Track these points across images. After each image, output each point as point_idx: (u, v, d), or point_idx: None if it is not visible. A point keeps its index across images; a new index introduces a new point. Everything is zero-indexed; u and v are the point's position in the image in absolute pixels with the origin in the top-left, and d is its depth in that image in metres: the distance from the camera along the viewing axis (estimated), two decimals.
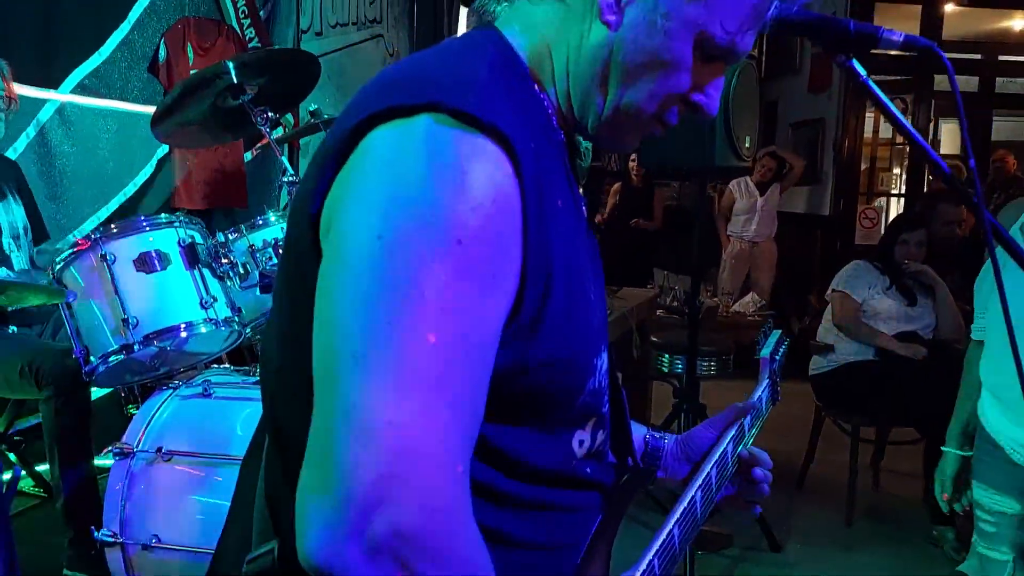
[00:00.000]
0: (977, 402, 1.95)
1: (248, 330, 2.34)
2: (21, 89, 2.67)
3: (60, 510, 2.43)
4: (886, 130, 7.91)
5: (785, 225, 7.18)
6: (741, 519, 3.36)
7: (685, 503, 1.05)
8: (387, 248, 0.65)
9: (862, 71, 1.02)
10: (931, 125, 7.46)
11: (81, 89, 3.19)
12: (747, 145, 3.19)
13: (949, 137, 8.61)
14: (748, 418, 1.25)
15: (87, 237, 2.11)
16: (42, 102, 3.05)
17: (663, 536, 0.98)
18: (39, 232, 2.81)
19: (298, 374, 0.70)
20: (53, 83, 3.09)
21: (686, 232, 6.36)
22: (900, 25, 6.16)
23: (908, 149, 7.13)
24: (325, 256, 0.69)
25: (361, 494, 0.61)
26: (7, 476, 2.11)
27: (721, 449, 1.15)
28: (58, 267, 2.13)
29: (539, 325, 0.73)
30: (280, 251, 2.34)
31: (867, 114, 7.10)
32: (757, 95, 3.30)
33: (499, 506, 0.78)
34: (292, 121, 3.61)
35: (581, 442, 0.85)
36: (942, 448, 2.08)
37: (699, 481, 1.08)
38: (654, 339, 3.92)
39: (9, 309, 2.53)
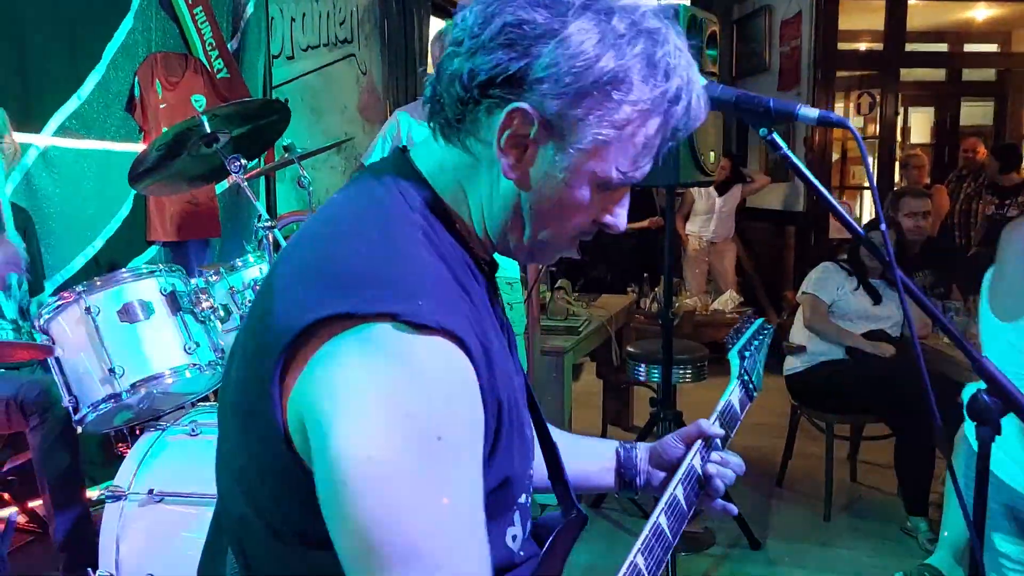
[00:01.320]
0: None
1: None
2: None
3: (58, 549, 2.50)
4: (856, 124, 8.03)
5: (761, 222, 7.31)
6: (721, 518, 3.47)
7: (647, 531, 1.12)
8: (382, 467, 0.73)
9: (782, 143, 1.11)
10: (899, 117, 7.59)
11: (63, 131, 3.23)
12: (711, 160, 3.28)
13: (919, 125, 8.75)
14: (716, 422, 1.33)
15: (72, 290, 2.17)
16: (27, 147, 3.10)
17: (627, 567, 1.06)
18: (36, 284, 2.87)
19: (264, 527, 0.80)
20: (35, 127, 3.14)
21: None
22: (866, 19, 6.29)
23: (878, 143, 7.25)
24: (323, 473, 0.75)
25: None
26: (3, 512, 2.17)
27: (688, 466, 1.24)
28: (44, 319, 2.19)
29: (491, 460, 0.83)
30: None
31: (836, 105, 7.23)
32: (723, 115, 3.39)
33: None
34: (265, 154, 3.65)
35: (514, 537, 0.96)
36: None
37: (662, 505, 1.16)
38: (630, 349, 4.01)
39: None
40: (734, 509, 1.29)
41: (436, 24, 6.05)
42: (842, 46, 7.10)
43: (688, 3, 3.37)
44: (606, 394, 4.87)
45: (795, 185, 7.12)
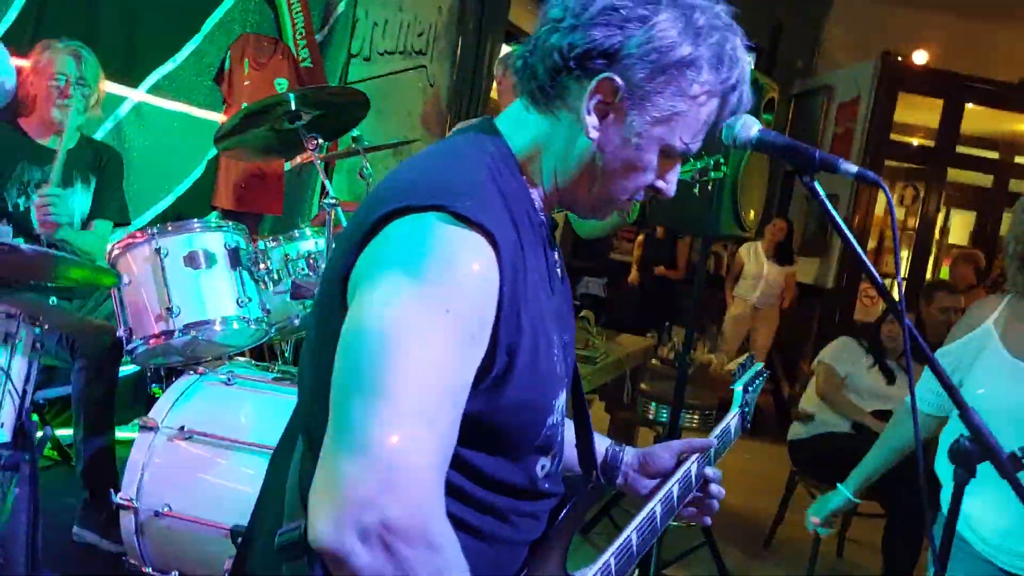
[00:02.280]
0: (887, 459, 2.12)
1: (274, 330, 2.56)
2: (106, 85, 2.94)
3: (79, 473, 2.64)
4: (898, 215, 8.12)
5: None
6: (705, 567, 3.53)
7: (645, 513, 1.27)
8: (392, 314, 0.86)
9: (821, 191, 1.24)
10: (940, 215, 7.68)
11: (155, 90, 3.48)
12: (751, 217, 3.42)
13: (958, 227, 8.82)
14: (716, 441, 1.46)
15: (144, 231, 2.35)
16: (122, 99, 3.34)
17: (621, 539, 1.22)
18: (122, 215, 3.03)
19: (323, 397, 0.91)
20: (133, 82, 3.38)
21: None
22: (922, 116, 6.41)
23: (915, 235, 7.34)
24: (348, 314, 0.90)
25: (357, 496, 0.81)
26: (39, 434, 2.32)
27: (684, 469, 1.36)
28: (114, 253, 2.37)
29: (508, 375, 0.95)
30: (312, 264, 2.57)
31: (879, 194, 7.32)
32: (767, 173, 3.53)
33: (470, 507, 1.01)
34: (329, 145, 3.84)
35: (543, 467, 1.09)
36: (837, 484, 2.23)
37: (660, 495, 1.30)
38: (643, 387, 4.12)
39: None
40: (708, 520, 1.43)
41: (506, 51, 6.27)
42: (894, 137, 7.23)
43: (752, 65, 3.52)
44: (611, 430, 4.96)
45: (827, 261, 7.22)
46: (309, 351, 1.04)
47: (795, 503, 4.07)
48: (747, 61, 1.05)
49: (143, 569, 2.27)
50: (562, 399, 1.09)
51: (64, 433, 3.32)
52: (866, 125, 7.00)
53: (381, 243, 0.92)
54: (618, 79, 0.98)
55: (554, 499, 1.14)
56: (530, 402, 1.00)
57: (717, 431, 1.51)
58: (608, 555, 1.18)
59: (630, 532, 1.23)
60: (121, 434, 2.86)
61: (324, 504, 0.83)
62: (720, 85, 1.02)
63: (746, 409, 1.65)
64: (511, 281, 0.93)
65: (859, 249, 1.24)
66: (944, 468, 2.04)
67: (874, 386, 3.94)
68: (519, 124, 1.07)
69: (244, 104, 3.21)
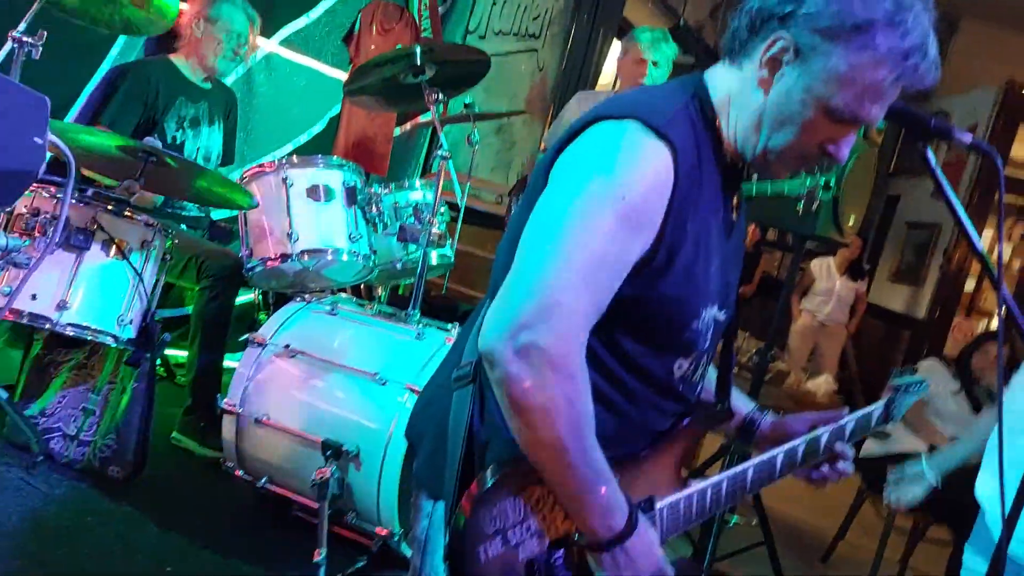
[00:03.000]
0: (977, 449, 2.05)
1: (376, 271, 2.71)
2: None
3: (189, 383, 2.85)
4: (1004, 253, 7.83)
5: (877, 320, 7.23)
6: (760, 568, 3.53)
7: (767, 456, 1.34)
8: (578, 190, 1.06)
9: (932, 158, 1.29)
10: None
11: (287, 43, 3.69)
12: (850, 223, 3.42)
13: None
14: (853, 422, 1.47)
15: (273, 162, 2.53)
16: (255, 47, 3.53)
17: (738, 468, 1.32)
18: (228, 157, 3.29)
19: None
20: (267, 33, 3.58)
21: (774, 300, 6.62)
22: None
23: (1018, 276, 7.07)
24: (544, 191, 1.10)
25: (519, 318, 1.01)
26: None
27: (815, 433, 1.41)
28: (244, 180, 2.56)
29: (666, 270, 1.10)
30: (418, 214, 2.71)
31: (986, 230, 7.10)
32: (872, 179, 3.52)
33: (611, 384, 1.17)
34: (441, 109, 4.01)
35: (680, 366, 1.22)
36: (924, 461, 2.15)
37: (786, 447, 1.37)
38: None
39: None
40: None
41: (617, 46, 6.34)
42: (1009, 172, 6.99)
43: None
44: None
45: (920, 290, 7.03)
46: (510, 237, 1.17)
47: (859, 524, 4.02)
48: (927, 32, 1.07)
49: (236, 472, 2.46)
50: (711, 312, 1.21)
51: (171, 353, 3.58)
52: (980, 156, 6.77)
53: (580, 142, 1.11)
54: (788, 37, 1.09)
55: (682, 405, 1.26)
56: (680, 300, 1.13)
57: (857, 413, 1.52)
58: (723, 476, 1.29)
59: (748, 466, 1.32)
60: (228, 363, 3.06)
61: (494, 320, 1.04)
62: (890, 52, 1.06)
63: (892, 406, 1.61)
64: (683, 191, 1.08)
65: (966, 218, 1.28)
66: (984, 491, 2.00)
67: (958, 413, 3.86)
68: (720, 75, 1.20)
69: None
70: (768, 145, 1.15)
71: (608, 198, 1.04)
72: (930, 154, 1.29)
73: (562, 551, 1.14)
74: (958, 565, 3.48)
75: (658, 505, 1.22)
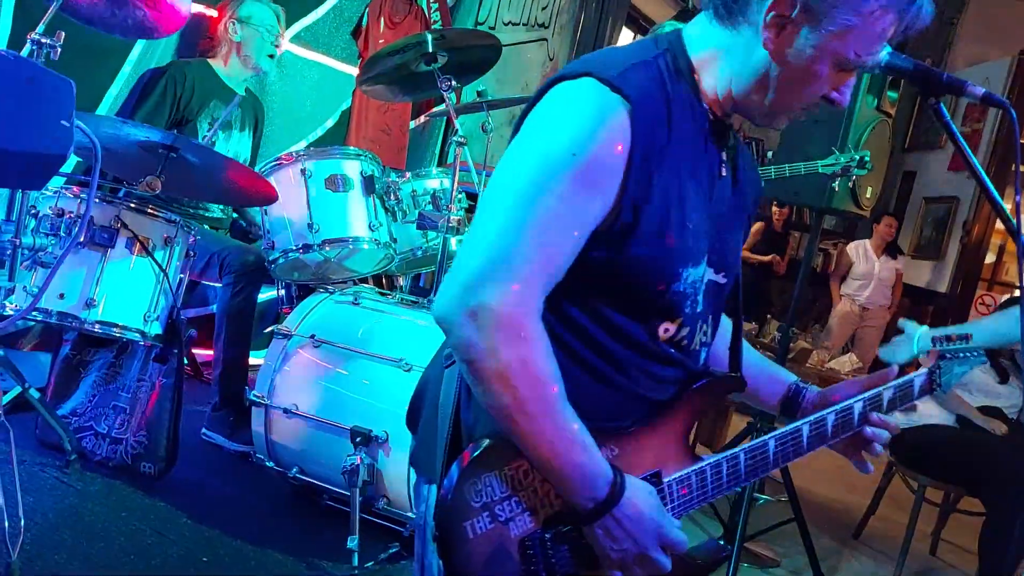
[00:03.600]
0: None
1: (397, 259, 2.74)
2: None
3: (215, 378, 2.89)
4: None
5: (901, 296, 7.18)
6: (792, 546, 3.53)
7: (791, 427, 1.28)
8: (530, 151, 1.06)
9: (946, 113, 1.29)
10: None
11: (297, 39, 3.73)
12: (867, 195, 3.38)
13: None
14: (890, 389, 1.39)
15: (292, 154, 2.56)
16: None
17: (758, 441, 1.26)
18: (254, 163, 3.33)
19: None
20: None
21: (792, 282, 6.59)
22: None
23: None
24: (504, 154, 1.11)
25: (469, 280, 1.01)
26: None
27: (848, 403, 1.33)
28: (264, 173, 2.59)
29: (634, 229, 1.07)
30: (436, 201, 2.74)
31: (1004, 202, 7.03)
32: (888, 151, 3.48)
33: (590, 348, 1.13)
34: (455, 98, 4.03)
35: (666, 330, 1.16)
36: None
37: (813, 418, 1.30)
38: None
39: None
40: (869, 467, 1.39)
41: (627, 35, 6.33)
42: None
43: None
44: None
45: (942, 264, 6.98)
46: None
47: (889, 498, 4.00)
48: None
49: (266, 464, 2.49)
50: (695, 272, 1.16)
51: (197, 352, 3.63)
52: (995, 126, 6.72)
53: (540, 104, 1.11)
54: None
55: (680, 370, 1.20)
56: (652, 262, 1.10)
57: (897, 381, 1.41)
58: (739, 449, 1.23)
59: (768, 438, 1.26)
60: (252, 360, 3.10)
61: (447, 284, 1.04)
62: (895, 1, 1.07)
63: (936, 373, 1.50)
64: (645, 145, 1.05)
65: (977, 164, 1.28)
66: None
67: (984, 382, 3.83)
68: (700, 32, 1.17)
69: None
70: (774, 102, 1.14)
71: (558, 156, 1.03)
72: (943, 109, 1.29)
73: (557, 528, 1.10)
74: (992, 533, 3.47)
75: (666, 479, 1.18)
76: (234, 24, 3.12)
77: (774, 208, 7.27)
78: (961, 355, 1.59)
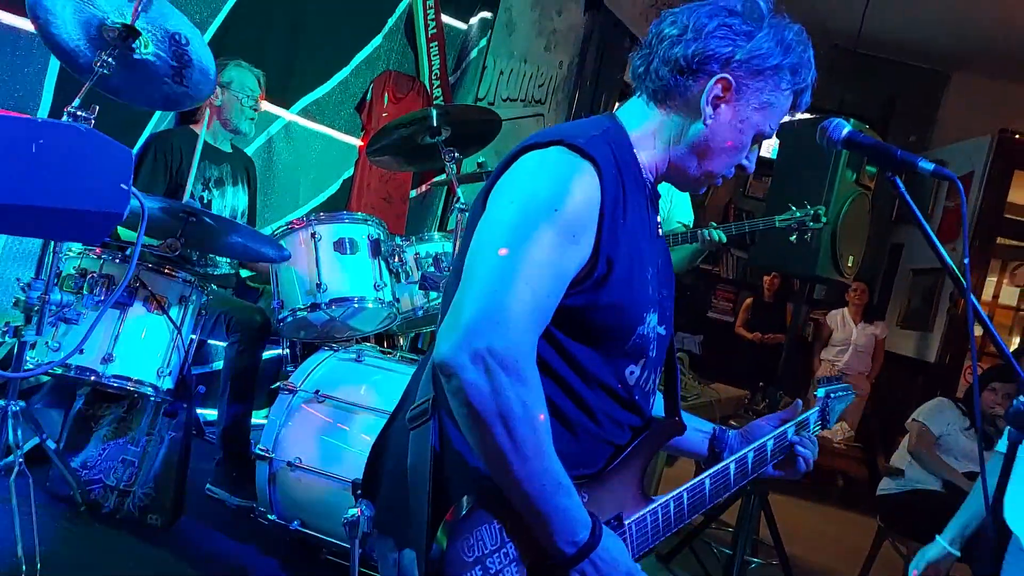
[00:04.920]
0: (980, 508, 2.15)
1: (399, 319, 2.86)
2: (265, 103, 3.40)
3: (219, 434, 2.97)
4: (1009, 296, 7.92)
5: (890, 365, 7.29)
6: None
7: (720, 466, 1.45)
8: (514, 208, 1.16)
9: (902, 186, 1.44)
10: None
11: (304, 112, 3.95)
12: (849, 264, 3.55)
13: None
14: (791, 427, 1.61)
15: (303, 219, 2.71)
16: (275, 117, 3.82)
17: (695, 480, 1.40)
18: (252, 219, 3.49)
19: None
20: (287, 104, 3.86)
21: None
22: None
23: None
24: (484, 212, 1.21)
25: (470, 326, 1.09)
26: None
27: (760, 443, 1.54)
28: (276, 237, 2.73)
29: (606, 281, 1.20)
30: (438, 263, 2.88)
31: (989, 278, 7.21)
32: (867, 223, 3.67)
33: (571, 400, 1.24)
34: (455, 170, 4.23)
35: (631, 372, 1.30)
36: (936, 536, 2.27)
37: (736, 456, 1.48)
38: (732, 421, 4.22)
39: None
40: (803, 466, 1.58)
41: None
42: (1008, 215, 7.14)
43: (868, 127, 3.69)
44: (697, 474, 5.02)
45: (930, 335, 7.11)
46: (458, 263, 1.29)
47: (880, 563, 4.03)
48: (812, 63, 1.33)
49: (268, 517, 2.56)
50: (653, 319, 1.30)
51: (200, 411, 3.71)
52: (978, 202, 6.95)
53: (513, 170, 1.23)
54: (731, 79, 1.26)
55: (638, 416, 1.34)
56: (623, 307, 1.23)
57: (795, 419, 1.64)
58: (682, 489, 1.37)
59: (704, 477, 1.41)
60: (256, 420, 3.19)
61: (448, 332, 1.11)
62: (798, 85, 1.31)
63: (826, 412, 1.79)
64: (611, 204, 1.20)
65: (934, 238, 1.43)
66: (1014, 515, 2.08)
67: (968, 448, 3.92)
68: (636, 113, 1.34)
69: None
70: (704, 169, 1.33)
71: (542, 212, 1.14)
72: (899, 183, 1.45)
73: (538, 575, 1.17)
74: None
75: (627, 522, 1.28)
76: (216, 89, 3.24)
77: (765, 279, 7.43)
78: (840, 394, 1.86)
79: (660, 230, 1.39)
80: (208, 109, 3.27)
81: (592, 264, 1.19)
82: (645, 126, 1.32)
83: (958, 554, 2.24)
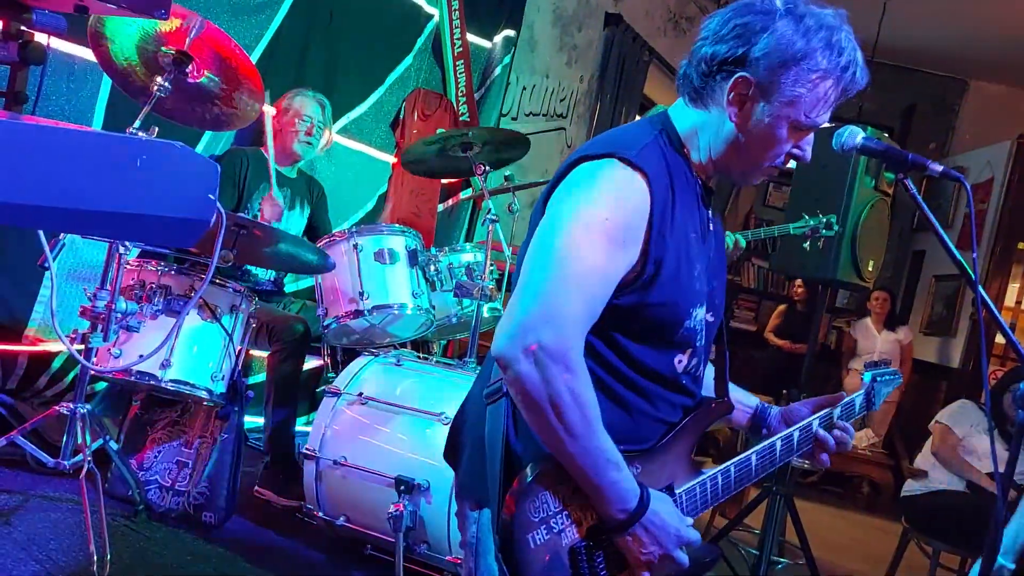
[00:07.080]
0: None
1: (434, 326, 3.00)
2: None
3: (265, 440, 3.11)
4: None
5: (913, 370, 7.32)
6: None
7: (766, 443, 1.54)
8: (569, 216, 1.26)
9: (912, 187, 1.55)
10: None
11: (344, 132, 4.11)
12: (870, 268, 3.63)
13: None
14: (838, 408, 1.69)
15: (344, 231, 2.86)
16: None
17: (742, 456, 1.50)
18: (315, 235, 3.59)
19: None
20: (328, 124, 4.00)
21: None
22: None
23: None
24: (543, 218, 1.32)
25: (524, 323, 1.21)
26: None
27: (807, 423, 1.62)
28: (319, 247, 2.88)
29: (655, 281, 1.31)
30: (470, 272, 3.02)
31: (1011, 284, 7.22)
32: (887, 227, 3.75)
33: (621, 383, 1.36)
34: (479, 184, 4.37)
35: (679, 361, 1.41)
36: (999, 558, 2.30)
37: (782, 435, 1.57)
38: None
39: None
40: (824, 460, 1.65)
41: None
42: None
43: (886, 135, 3.77)
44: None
45: (953, 340, 7.13)
46: (521, 259, 1.41)
47: (906, 565, 4.08)
48: (856, 47, 1.34)
49: (315, 514, 2.69)
50: (700, 311, 1.41)
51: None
52: (999, 207, 6.99)
53: (568, 179, 1.33)
54: (749, 76, 1.32)
55: (688, 397, 1.45)
56: (671, 304, 1.34)
57: (843, 402, 1.72)
58: (730, 463, 1.47)
59: (751, 453, 1.50)
60: (299, 427, 3.32)
61: (504, 327, 1.24)
62: (832, 69, 1.31)
63: (872, 395, 1.85)
64: (660, 211, 1.30)
65: (950, 243, 1.53)
66: None
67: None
68: (682, 113, 1.43)
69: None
70: (745, 162, 1.39)
71: (594, 221, 1.24)
72: (910, 184, 1.56)
73: (596, 537, 1.29)
74: None
75: (677, 491, 1.39)
76: (279, 114, 3.45)
77: (796, 288, 7.42)
78: (887, 378, 1.91)
79: (713, 224, 1.47)
80: (275, 133, 3.45)
81: (641, 267, 1.29)
82: (690, 126, 1.40)
83: (1012, 566, 2.28)
